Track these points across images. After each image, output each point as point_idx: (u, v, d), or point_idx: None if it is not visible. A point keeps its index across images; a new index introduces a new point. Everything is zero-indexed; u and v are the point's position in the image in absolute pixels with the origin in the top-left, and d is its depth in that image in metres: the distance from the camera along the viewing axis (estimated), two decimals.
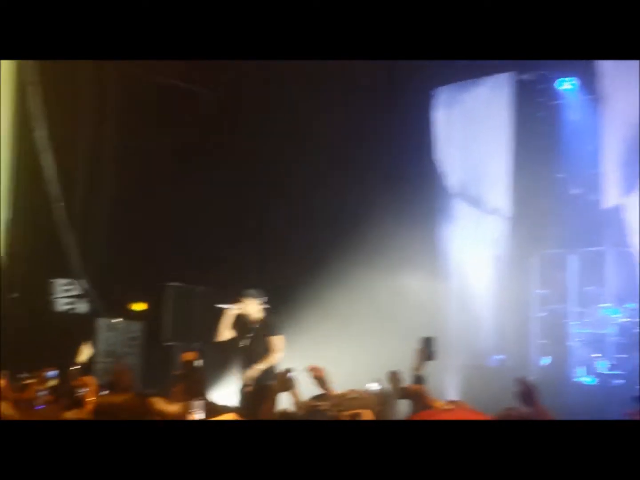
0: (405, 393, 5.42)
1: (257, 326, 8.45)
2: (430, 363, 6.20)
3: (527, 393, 4.69)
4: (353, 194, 11.19)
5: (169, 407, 4.87)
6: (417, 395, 5.16)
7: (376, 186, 11.14)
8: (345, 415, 3.59)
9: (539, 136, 11.97)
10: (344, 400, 4.17)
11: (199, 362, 6.12)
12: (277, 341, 8.33)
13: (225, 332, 8.43)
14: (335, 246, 10.75)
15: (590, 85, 11.31)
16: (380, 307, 10.57)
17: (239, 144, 11.44)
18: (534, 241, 11.79)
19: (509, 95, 12.11)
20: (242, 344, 8.44)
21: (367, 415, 3.47)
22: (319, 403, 4.13)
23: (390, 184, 11.12)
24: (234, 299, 8.46)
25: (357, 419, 3.50)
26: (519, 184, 12.08)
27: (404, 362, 6.69)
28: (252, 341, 8.43)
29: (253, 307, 8.47)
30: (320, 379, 5.73)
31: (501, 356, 10.76)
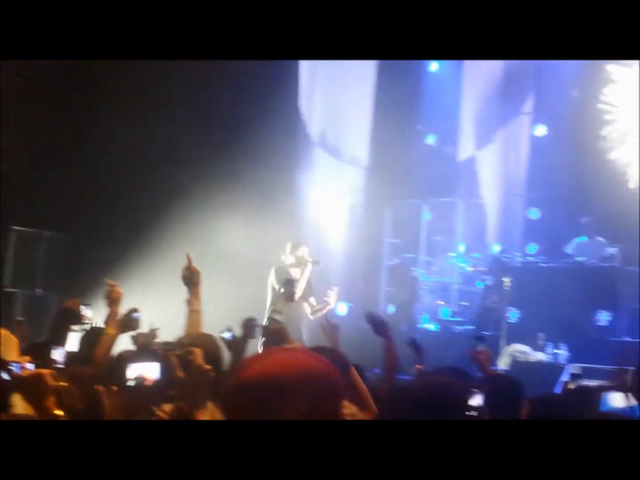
0: (266, 332, 5.44)
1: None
2: (289, 305, 6.23)
3: (379, 324, 4.85)
4: (213, 139, 10.97)
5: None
6: (277, 334, 5.17)
7: (238, 132, 10.94)
8: (173, 354, 3.41)
9: (401, 87, 12.06)
10: (177, 343, 4.02)
11: (84, 309, 5.83)
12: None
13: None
14: (195, 188, 10.54)
15: None
16: (237, 252, 10.45)
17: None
18: (389, 191, 11.97)
19: None
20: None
21: (196, 353, 3.28)
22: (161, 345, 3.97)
23: (251, 131, 10.93)
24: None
25: (187, 357, 3.32)
26: (378, 134, 12.17)
27: (260, 306, 6.69)
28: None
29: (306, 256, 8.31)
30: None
31: (350, 304, 10.91)
